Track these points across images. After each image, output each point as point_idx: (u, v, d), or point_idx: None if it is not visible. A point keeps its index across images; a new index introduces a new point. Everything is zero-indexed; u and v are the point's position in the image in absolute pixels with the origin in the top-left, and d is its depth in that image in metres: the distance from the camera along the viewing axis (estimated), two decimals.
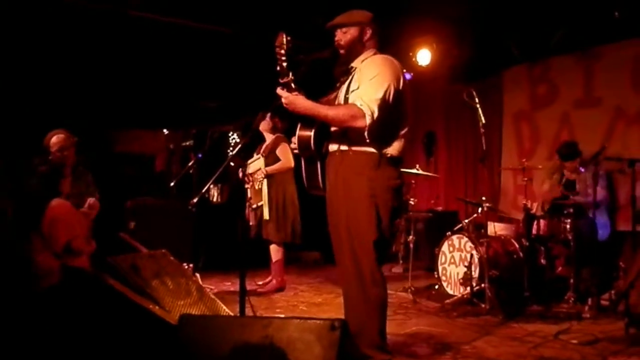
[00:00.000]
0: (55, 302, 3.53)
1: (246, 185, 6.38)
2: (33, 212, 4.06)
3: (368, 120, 3.23)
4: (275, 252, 6.37)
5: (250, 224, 6.41)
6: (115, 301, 3.31)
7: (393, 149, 3.41)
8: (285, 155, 6.24)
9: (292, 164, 6.21)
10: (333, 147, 3.48)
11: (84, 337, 3.23)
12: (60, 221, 4.01)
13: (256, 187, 6.36)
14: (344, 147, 3.41)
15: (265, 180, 6.31)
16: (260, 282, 6.53)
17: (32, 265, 3.89)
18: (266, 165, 6.32)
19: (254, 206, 6.37)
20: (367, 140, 3.31)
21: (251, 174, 6.39)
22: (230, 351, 2.42)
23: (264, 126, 6.43)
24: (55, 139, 5.09)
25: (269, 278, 6.49)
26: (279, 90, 3.40)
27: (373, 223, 3.33)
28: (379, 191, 3.34)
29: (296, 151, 3.58)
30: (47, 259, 3.93)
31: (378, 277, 3.37)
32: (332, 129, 3.45)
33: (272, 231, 6.24)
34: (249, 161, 6.53)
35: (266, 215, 6.26)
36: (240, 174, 6.20)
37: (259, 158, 6.44)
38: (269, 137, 6.48)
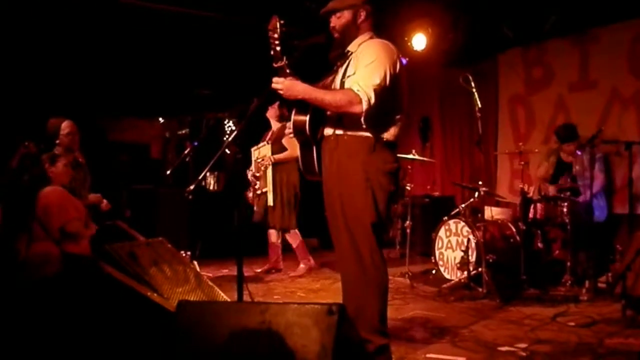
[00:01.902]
0: (57, 288, 3.53)
1: (254, 172, 6.46)
2: (25, 204, 4.04)
3: (365, 106, 3.20)
4: (292, 237, 6.44)
5: (255, 209, 6.44)
6: (114, 288, 3.32)
7: (389, 133, 3.37)
8: (292, 145, 6.22)
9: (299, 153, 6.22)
10: (328, 131, 3.45)
11: (83, 324, 3.24)
12: (52, 207, 3.99)
13: (260, 173, 6.41)
14: (339, 132, 3.38)
15: (270, 167, 6.33)
16: (259, 270, 6.56)
17: (27, 255, 3.88)
18: (272, 153, 6.33)
19: (259, 192, 6.40)
20: (364, 126, 3.29)
21: (258, 160, 6.43)
22: (228, 336, 2.42)
23: (271, 113, 6.45)
24: (66, 123, 5.05)
25: (267, 265, 6.54)
26: (275, 80, 3.37)
27: (370, 206, 3.30)
28: (374, 175, 3.31)
29: (291, 136, 3.56)
30: (46, 247, 3.92)
31: (378, 260, 3.33)
32: (328, 113, 3.42)
33: (278, 218, 6.27)
34: (255, 148, 6.57)
35: (270, 202, 6.30)
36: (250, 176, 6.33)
37: (264, 145, 6.46)
38: (275, 125, 6.50)
